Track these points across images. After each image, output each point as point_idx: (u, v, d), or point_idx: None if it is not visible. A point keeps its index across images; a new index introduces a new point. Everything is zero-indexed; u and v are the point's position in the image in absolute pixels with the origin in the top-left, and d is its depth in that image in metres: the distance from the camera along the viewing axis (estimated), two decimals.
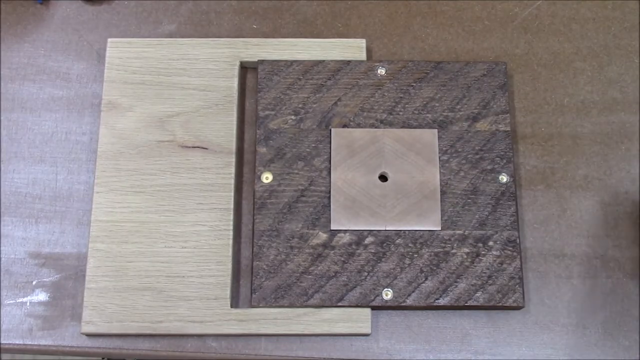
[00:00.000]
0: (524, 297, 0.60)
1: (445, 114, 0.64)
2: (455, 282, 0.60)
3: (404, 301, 0.59)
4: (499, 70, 0.65)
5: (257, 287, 0.59)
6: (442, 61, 0.66)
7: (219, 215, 0.61)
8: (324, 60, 0.65)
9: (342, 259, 0.60)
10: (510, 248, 0.60)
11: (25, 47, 0.69)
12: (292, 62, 0.65)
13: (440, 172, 0.62)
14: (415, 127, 0.63)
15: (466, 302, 0.59)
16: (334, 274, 0.60)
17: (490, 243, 0.60)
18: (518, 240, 0.61)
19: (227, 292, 0.60)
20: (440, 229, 0.61)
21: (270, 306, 0.59)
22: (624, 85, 0.67)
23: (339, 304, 0.59)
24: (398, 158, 0.62)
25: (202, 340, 0.60)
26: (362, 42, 0.66)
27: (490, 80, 0.65)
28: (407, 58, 0.68)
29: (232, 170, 0.63)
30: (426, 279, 0.60)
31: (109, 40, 0.66)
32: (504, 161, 0.63)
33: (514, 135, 0.65)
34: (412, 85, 0.65)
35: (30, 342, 0.61)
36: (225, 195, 0.62)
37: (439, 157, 0.63)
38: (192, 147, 0.63)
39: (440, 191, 0.62)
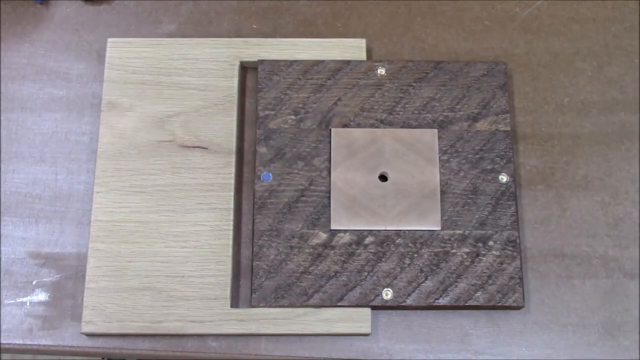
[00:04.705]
0: (524, 297, 0.60)
1: (445, 114, 0.64)
2: (455, 282, 0.60)
3: (404, 301, 0.59)
4: (499, 70, 0.65)
5: (257, 287, 0.59)
6: (442, 61, 0.66)
7: (219, 215, 0.61)
8: (324, 60, 0.65)
9: (342, 258, 0.60)
10: (510, 248, 0.60)
11: (25, 47, 0.69)
12: (292, 62, 0.65)
13: (440, 172, 0.62)
14: (415, 127, 0.63)
15: (466, 302, 0.59)
16: (334, 274, 0.60)
17: (490, 243, 0.60)
18: (518, 240, 0.61)
19: (227, 292, 0.60)
20: (440, 228, 0.61)
21: (270, 306, 0.59)
22: (624, 85, 0.67)
23: (339, 303, 0.59)
24: (398, 158, 0.62)
25: (202, 340, 0.60)
26: (362, 42, 0.66)
27: (490, 80, 0.65)
28: (407, 58, 0.68)
29: (232, 170, 0.63)
30: (426, 278, 0.60)
31: (109, 40, 0.66)
32: (504, 161, 0.63)
33: (514, 135, 0.65)
34: (412, 85, 0.65)
35: (30, 342, 0.61)
36: (225, 195, 0.62)
37: (439, 157, 0.63)
38: (192, 147, 0.63)
39: (440, 191, 0.62)
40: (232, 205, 0.62)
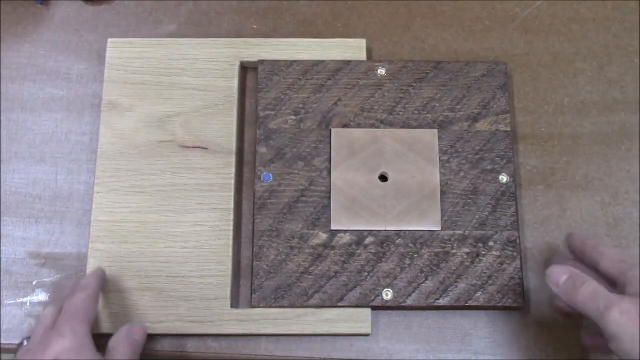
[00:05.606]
0: (524, 297, 0.60)
1: (445, 114, 0.64)
2: (455, 282, 0.60)
3: (404, 301, 0.59)
4: (499, 70, 0.65)
5: (257, 287, 0.59)
6: (442, 61, 0.66)
7: (219, 215, 0.61)
8: (324, 60, 0.65)
9: (342, 259, 0.60)
10: (510, 248, 0.60)
11: (25, 47, 0.69)
12: (292, 62, 0.65)
13: (440, 172, 0.62)
14: (415, 127, 0.63)
15: (466, 302, 0.59)
16: (334, 274, 0.60)
17: (490, 243, 0.60)
18: (518, 240, 0.61)
19: (227, 292, 0.60)
20: (440, 229, 0.61)
21: (270, 306, 0.59)
22: (624, 85, 0.67)
23: (339, 304, 0.59)
24: (398, 158, 0.62)
25: (202, 340, 0.60)
26: (362, 42, 0.66)
27: (490, 80, 0.65)
28: (407, 58, 0.68)
29: (232, 170, 0.63)
30: (426, 279, 0.60)
31: (109, 40, 0.66)
32: (504, 161, 0.63)
33: (514, 135, 0.65)
34: (412, 85, 0.65)
35: None
36: (225, 195, 0.62)
37: (439, 157, 0.63)
38: (192, 147, 0.63)
39: (440, 191, 0.62)
40: (232, 205, 0.62)
